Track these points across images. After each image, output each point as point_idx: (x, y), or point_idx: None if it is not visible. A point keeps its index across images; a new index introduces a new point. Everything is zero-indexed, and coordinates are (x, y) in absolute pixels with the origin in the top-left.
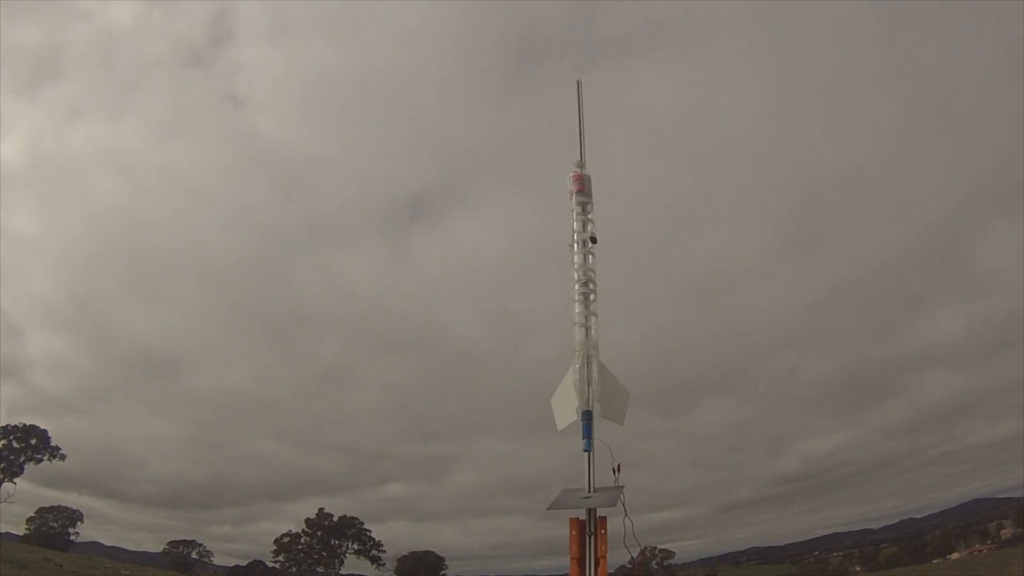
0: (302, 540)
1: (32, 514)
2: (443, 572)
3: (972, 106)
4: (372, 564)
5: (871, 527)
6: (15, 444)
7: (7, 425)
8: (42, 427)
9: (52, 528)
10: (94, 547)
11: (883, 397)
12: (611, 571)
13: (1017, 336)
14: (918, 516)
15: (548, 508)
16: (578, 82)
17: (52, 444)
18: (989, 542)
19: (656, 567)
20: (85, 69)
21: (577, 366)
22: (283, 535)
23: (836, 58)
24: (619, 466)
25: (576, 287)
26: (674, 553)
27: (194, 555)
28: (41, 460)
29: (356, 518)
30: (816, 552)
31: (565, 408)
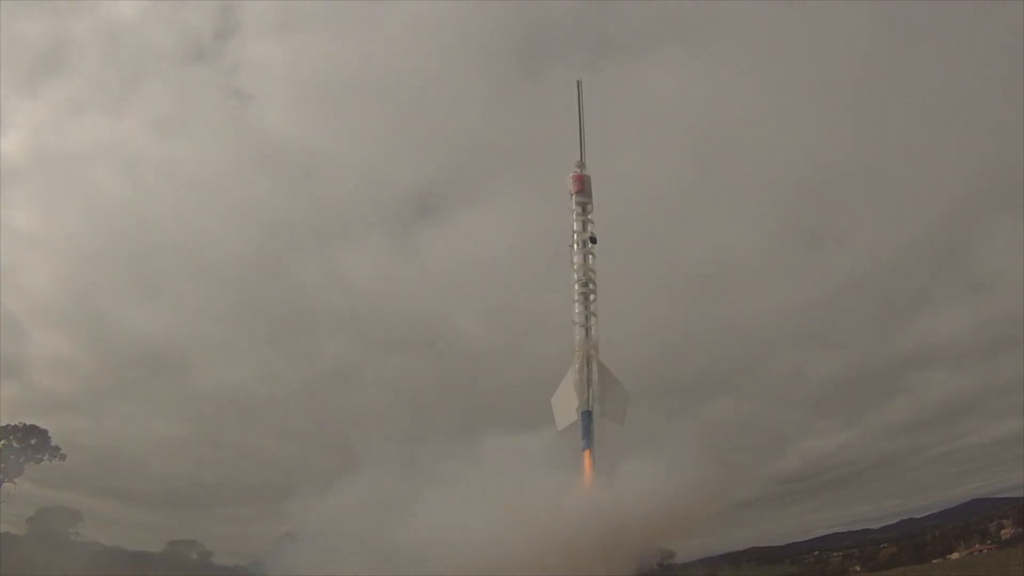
0: None
1: (32, 514)
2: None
3: (979, 103)
4: None
5: (871, 527)
6: (15, 444)
7: (7, 425)
8: (42, 427)
9: (52, 528)
10: (94, 547)
11: (886, 396)
12: None
13: (1019, 335)
14: (918, 516)
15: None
16: (578, 82)
17: (52, 444)
18: (989, 542)
19: (656, 567)
20: (88, 63)
21: (577, 366)
22: (283, 535)
23: (842, 54)
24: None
25: (576, 287)
26: (674, 553)
27: (194, 555)
28: (41, 460)
29: None
30: (816, 552)
31: (565, 408)
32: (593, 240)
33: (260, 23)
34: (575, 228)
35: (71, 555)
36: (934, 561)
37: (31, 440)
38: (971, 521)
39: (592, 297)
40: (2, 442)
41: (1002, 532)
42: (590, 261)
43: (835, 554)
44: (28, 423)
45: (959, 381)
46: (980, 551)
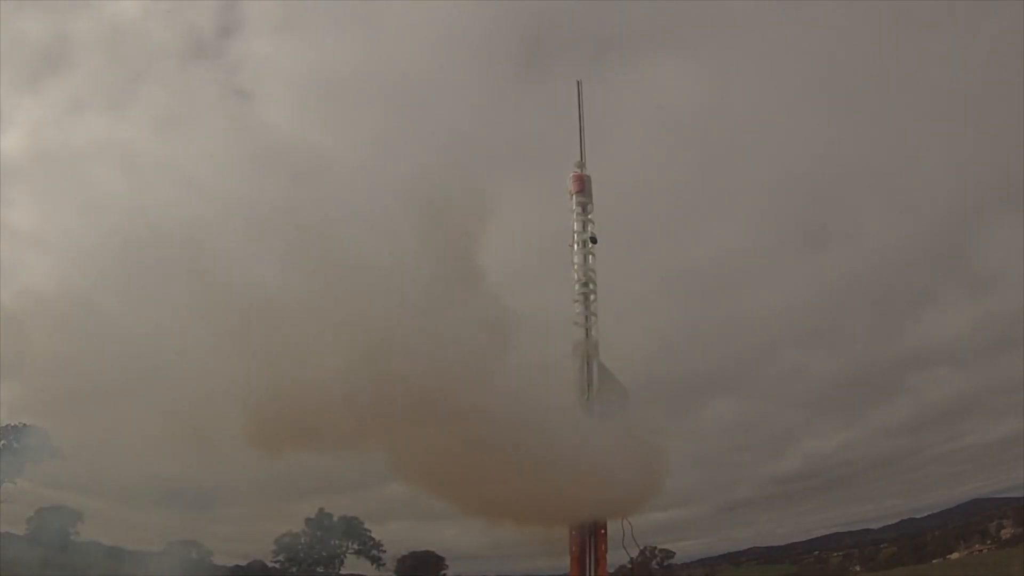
0: (302, 540)
1: (32, 514)
2: (443, 572)
3: (980, 103)
4: (372, 564)
5: (871, 527)
6: (15, 444)
7: (7, 425)
8: (42, 427)
9: (52, 528)
10: (94, 547)
11: (886, 396)
12: (611, 571)
13: (1020, 335)
14: (918, 516)
15: None
16: (578, 82)
17: (52, 444)
18: (989, 542)
19: (656, 567)
20: (89, 61)
21: (577, 366)
22: (283, 535)
23: (842, 54)
24: None
25: (576, 287)
26: (674, 553)
27: (194, 555)
28: (41, 460)
29: (356, 518)
30: (816, 552)
31: None
32: (593, 240)
33: (262, 21)
34: (575, 228)
35: (71, 555)
36: (934, 561)
37: (31, 440)
38: (971, 521)
39: (592, 297)
40: (2, 442)
41: (1002, 532)
42: (590, 261)
43: (835, 554)
44: (28, 423)
45: (959, 381)
46: (980, 551)
